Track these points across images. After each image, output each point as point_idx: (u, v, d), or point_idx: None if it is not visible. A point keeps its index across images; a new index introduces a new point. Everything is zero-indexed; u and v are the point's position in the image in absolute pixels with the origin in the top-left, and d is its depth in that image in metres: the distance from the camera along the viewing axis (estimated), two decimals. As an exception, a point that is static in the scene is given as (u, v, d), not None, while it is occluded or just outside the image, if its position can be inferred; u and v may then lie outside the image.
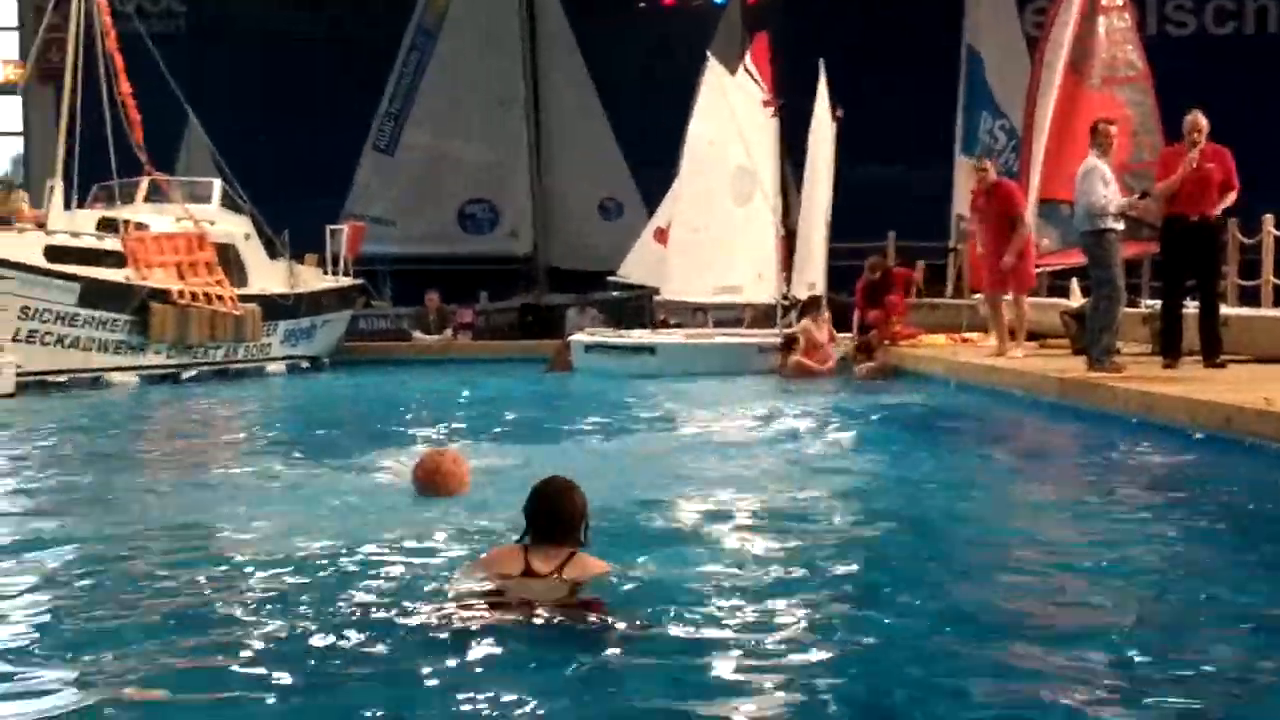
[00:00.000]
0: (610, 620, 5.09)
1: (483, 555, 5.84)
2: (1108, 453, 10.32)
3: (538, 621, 5.03)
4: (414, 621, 5.22)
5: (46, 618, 5.50)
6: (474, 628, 5.03)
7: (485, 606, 5.22)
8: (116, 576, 6.22)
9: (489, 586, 5.40)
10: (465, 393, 17.23)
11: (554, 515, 5.51)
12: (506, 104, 28.07)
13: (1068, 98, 17.55)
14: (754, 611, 5.42)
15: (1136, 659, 4.80)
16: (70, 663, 4.86)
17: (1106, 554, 6.53)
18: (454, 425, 12.61)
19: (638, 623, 5.11)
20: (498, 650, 4.82)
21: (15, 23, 27.80)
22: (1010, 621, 5.39)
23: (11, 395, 16.24)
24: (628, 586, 5.68)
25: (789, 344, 18.77)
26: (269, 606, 5.56)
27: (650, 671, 4.67)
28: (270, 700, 4.42)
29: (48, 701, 4.44)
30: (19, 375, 16.71)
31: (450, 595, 5.45)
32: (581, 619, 5.08)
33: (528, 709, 4.28)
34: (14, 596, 5.82)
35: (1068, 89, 17.63)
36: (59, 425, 13.71)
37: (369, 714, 4.26)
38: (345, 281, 23.14)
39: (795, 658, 4.84)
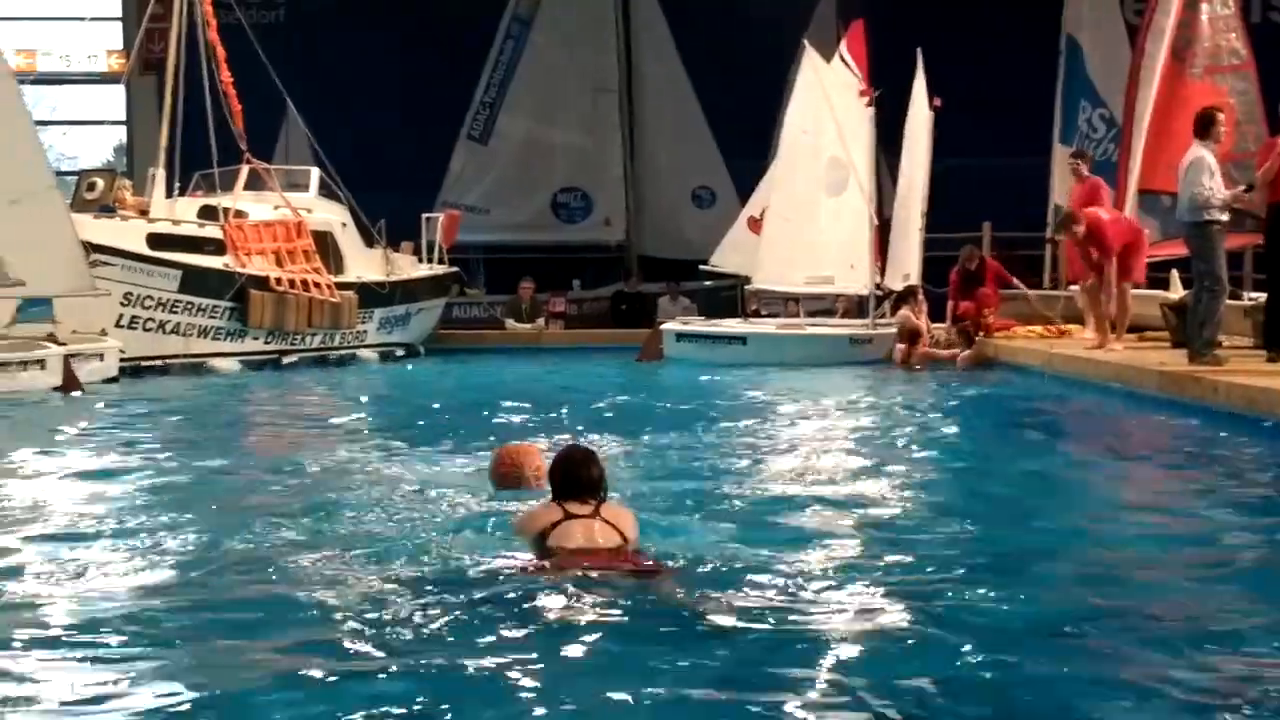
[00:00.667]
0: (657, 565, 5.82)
1: (518, 516, 6.35)
2: (1208, 447, 10.20)
3: (594, 574, 5.56)
4: (485, 593, 5.41)
5: (149, 597, 5.62)
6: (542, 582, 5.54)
7: (545, 565, 5.75)
8: (215, 559, 6.34)
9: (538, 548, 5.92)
10: (557, 381, 17.31)
11: (578, 480, 6.15)
12: (600, 92, 28.09)
13: (1169, 87, 17.26)
14: (828, 590, 5.48)
15: (1233, 658, 4.74)
16: (163, 641, 4.98)
17: (1205, 551, 6.46)
18: (546, 415, 12.65)
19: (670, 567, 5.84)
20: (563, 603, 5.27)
21: (119, 14, 28.24)
22: (1100, 616, 5.34)
23: (114, 380, 16.54)
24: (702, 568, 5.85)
25: (914, 336, 18.70)
26: (354, 585, 5.70)
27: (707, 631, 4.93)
28: (355, 675, 4.49)
29: (157, 678, 4.54)
30: (121, 361, 17.01)
31: (507, 559, 5.97)
32: (635, 567, 5.74)
33: (599, 656, 4.72)
34: (121, 571, 5.95)
35: (1169, 78, 17.34)
36: (164, 409, 14.00)
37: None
38: (440, 270, 23.31)
39: (856, 639, 4.87)
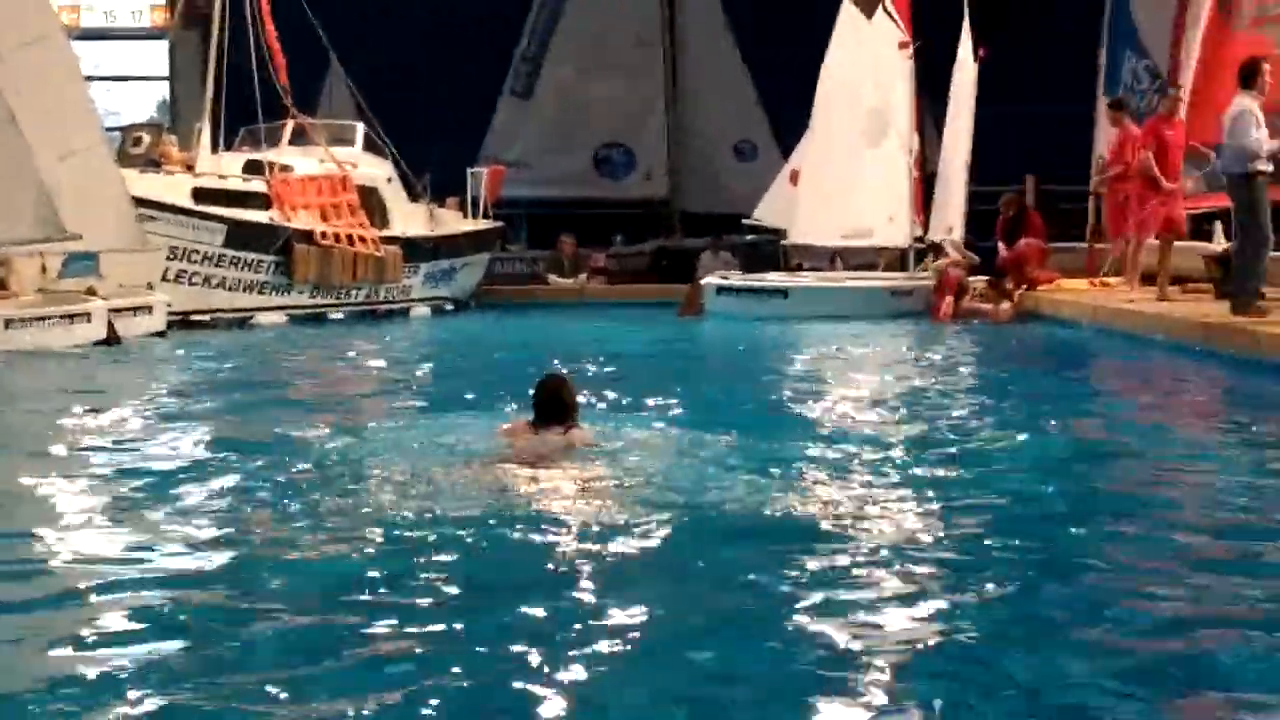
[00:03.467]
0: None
1: (504, 426, 7.68)
2: (1251, 397, 10.20)
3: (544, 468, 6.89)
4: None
5: (202, 550, 5.74)
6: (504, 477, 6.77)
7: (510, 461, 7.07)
8: (260, 516, 6.42)
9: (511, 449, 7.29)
10: (601, 335, 17.40)
11: (554, 401, 7.46)
12: (643, 46, 28.02)
13: (1214, 39, 17.15)
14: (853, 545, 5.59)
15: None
16: (211, 587, 5.12)
17: (1250, 505, 6.47)
18: (594, 368, 12.73)
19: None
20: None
21: (162, -31, 28.33)
22: (1153, 570, 5.40)
23: (163, 334, 16.71)
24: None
25: (962, 291, 18.70)
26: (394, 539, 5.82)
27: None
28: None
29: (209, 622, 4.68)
30: (168, 315, 17.18)
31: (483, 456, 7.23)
32: (572, 453, 7.18)
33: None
34: (153, 530, 6.07)
35: (1214, 30, 17.22)
36: (209, 364, 14.17)
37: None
38: (484, 224, 23.39)
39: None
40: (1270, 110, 14.64)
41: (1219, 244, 17.19)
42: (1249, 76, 13.43)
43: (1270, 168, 13.18)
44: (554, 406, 7.41)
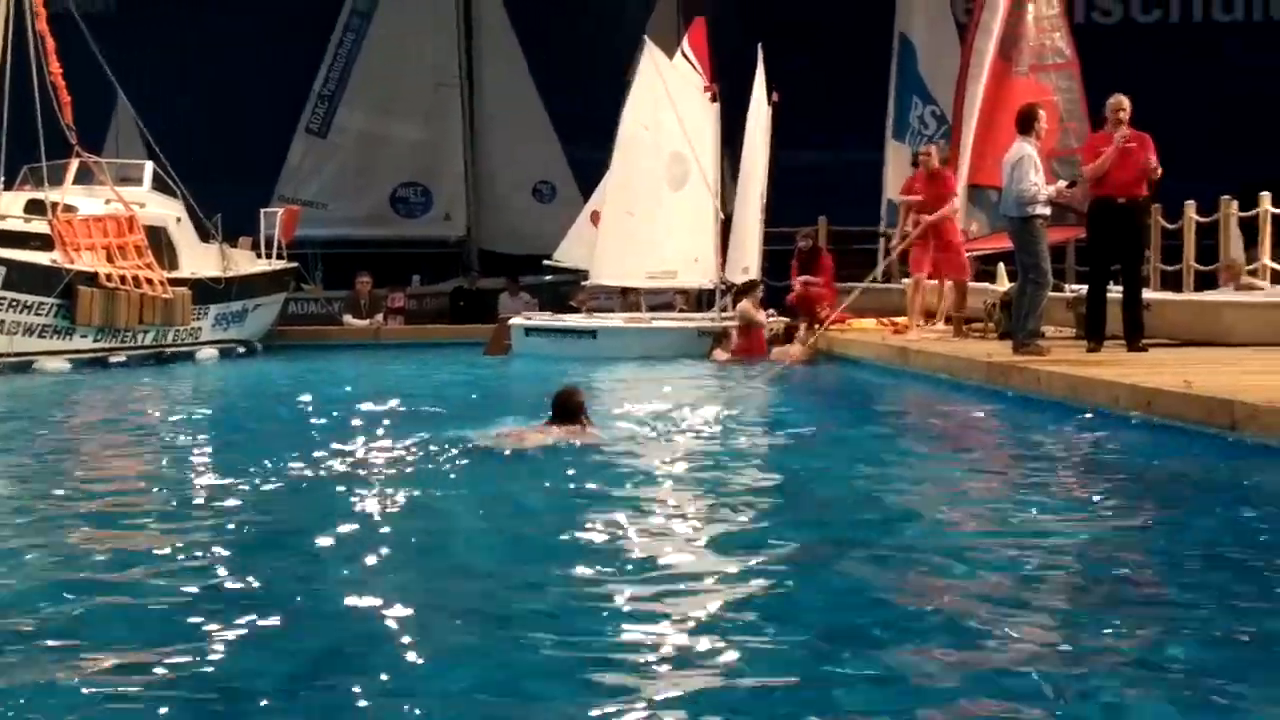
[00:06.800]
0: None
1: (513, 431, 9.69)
2: (1032, 435, 10.47)
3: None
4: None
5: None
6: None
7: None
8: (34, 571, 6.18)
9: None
10: (403, 377, 17.20)
11: (565, 406, 9.60)
12: (441, 87, 28.00)
13: (996, 84, 17.75)
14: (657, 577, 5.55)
15: (1052, 641, 4.91)
16: None
17: (1027, 538, 6.62)
18: (399, 410, 12.53)
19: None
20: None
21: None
22: (932, 606, 5.47)
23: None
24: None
25: (720, 336, 19.00)
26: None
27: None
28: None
29: None
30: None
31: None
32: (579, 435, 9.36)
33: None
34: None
35: (997, 75, 17.82)
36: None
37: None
38: (278, 265, 23.01)
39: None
40: (1050, 155, 15.22)
41: (1002, 285, 17.73)
42: (1027, 122, 13.89)
43: (1049, 211, 13.66)
44: (566, 409, 9.55)
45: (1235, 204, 17.80)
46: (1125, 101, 13.58)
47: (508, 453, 9.05)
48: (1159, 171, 13.52)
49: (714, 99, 20.48)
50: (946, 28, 23.09)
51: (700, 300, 21.75)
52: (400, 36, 27.60)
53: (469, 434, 9.63)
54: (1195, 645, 4.78)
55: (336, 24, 27.67)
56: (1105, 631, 4.98)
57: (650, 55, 20.77)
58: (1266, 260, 17.01)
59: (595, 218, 21.64)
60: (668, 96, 20.29)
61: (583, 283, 21.75)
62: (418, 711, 4.18)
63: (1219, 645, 4.80)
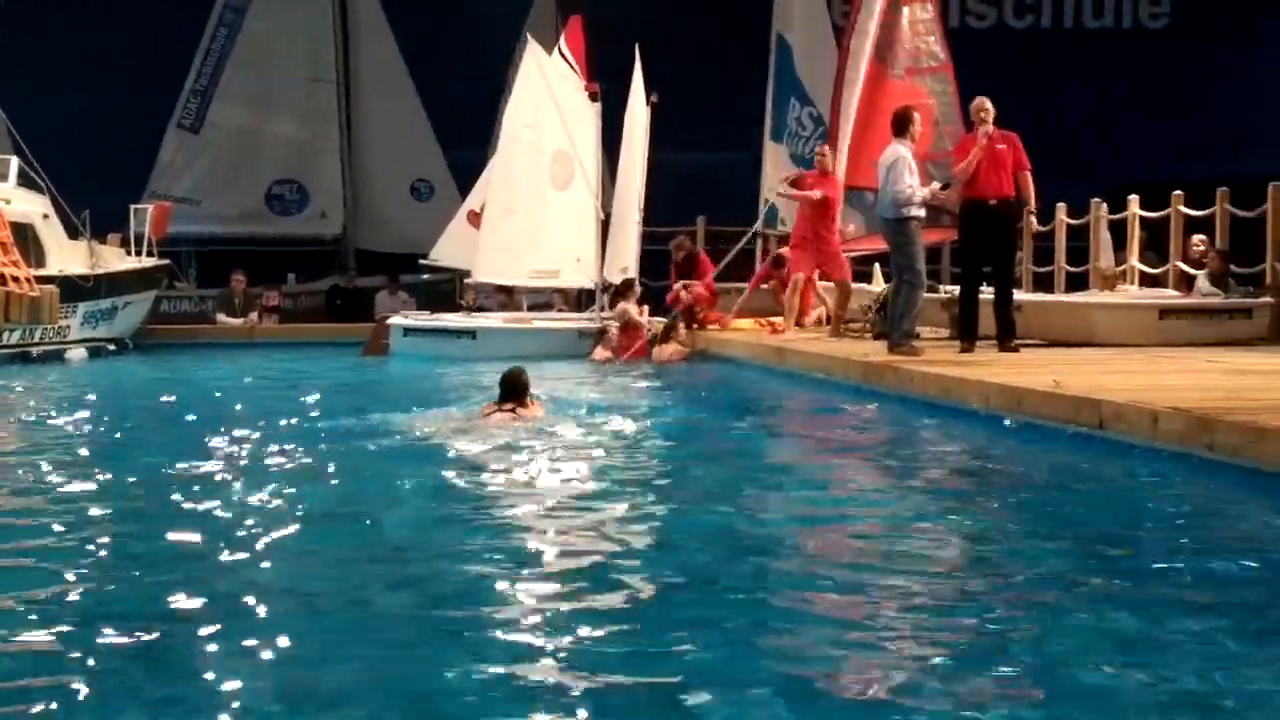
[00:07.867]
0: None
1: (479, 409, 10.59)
2: (905, 434, 10.62)
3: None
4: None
5: None
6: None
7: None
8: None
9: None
10: (282, 377, 16.95)
11: (512, 385, 10.48)
12: (317, 83, 27.68)
13: (873, 87, 17.94)
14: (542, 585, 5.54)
15: (924, 637, 4.97)
16: None
17: (899, 537, 6.70)
18: (270, 412, 12.31)
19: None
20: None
21: None
22: (805, 605, 5.51)
23: None
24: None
25: (600, 335, 18.98)
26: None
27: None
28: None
29: None
30: None
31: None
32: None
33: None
34: None
35: (873, 78, 18.01)
36: None
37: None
38: (149, 262, 22.56)
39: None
40: (924, 157, 15.40)
41: (877, 285, 17.93)
42: (902, 125, 14.02)
43: (923, 213, 13.82)
44: (515, 388, 10.44)
45: (1105, 206, 18.18)
46: (987, 103, 13.77)
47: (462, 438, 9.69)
48: (1029, 168, 13.72)
49: (594, 98, 20.44)
50: (822, 29, 23.23)
51: (580, 300, 21.69)
52: (274, 32, 27.24)
53: (355, 429, 9.85)
54: (1041, 623, 5.08)
55: (210, 18, 27.22)
56: (947, 603, 5.26)
57: (532, 53, 20.66)
58: (1135, 263, 17.40)
59: (472, 217, 21.46)
60: (550, 95, 20.21)
61: (466, 280, 21.57)
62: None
63: (1070, 632, 4.97)
